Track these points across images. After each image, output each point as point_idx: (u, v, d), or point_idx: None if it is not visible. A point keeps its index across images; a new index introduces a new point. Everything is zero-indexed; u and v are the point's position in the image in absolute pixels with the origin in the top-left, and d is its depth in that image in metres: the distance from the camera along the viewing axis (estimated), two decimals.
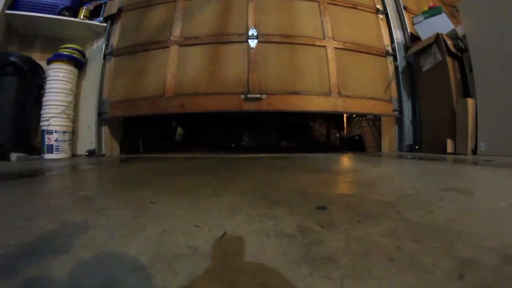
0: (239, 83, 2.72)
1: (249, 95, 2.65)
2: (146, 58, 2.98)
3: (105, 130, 3.06)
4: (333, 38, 2.94)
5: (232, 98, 2.69)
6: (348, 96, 2.86)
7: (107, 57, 3.11)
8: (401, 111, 3.05)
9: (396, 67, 3.13)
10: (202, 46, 2.87)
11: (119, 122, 3.29)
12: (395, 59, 3.14)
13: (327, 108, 2.80)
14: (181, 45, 2.89)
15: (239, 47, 2.82)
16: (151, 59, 2.96)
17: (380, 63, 3.12)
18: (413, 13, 3.25)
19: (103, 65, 3.09)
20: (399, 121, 3.10)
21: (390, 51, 3.15)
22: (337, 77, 2.85)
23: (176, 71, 2.83)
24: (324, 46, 2.90)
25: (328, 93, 2.80)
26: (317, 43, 2.90)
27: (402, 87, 3.06)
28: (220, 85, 2.75)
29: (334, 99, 2.80)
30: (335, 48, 2.92)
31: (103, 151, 3.06)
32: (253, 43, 2.80)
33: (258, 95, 2.65)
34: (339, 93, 2.82)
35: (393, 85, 3.11)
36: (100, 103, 3.01)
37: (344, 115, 4.41)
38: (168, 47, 2.91)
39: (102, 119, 3.02)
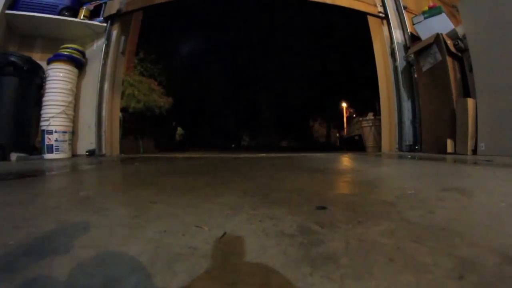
0: None
1: None
2: None
3: (115, 30, 3.29)
4: None
5: None
6: None
7: None
8: (386, 14, 3.38)
9: None
10: None
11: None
12: None
13: None
14: None
15: None
16: None
17: None
18: (413, 13, 3.25)
19: None
20: (388, 24, 3.38)
21: None
22: None
23: None
24: None
25: None
26: None
27: None
28: None
29: None
30: None
31: (103, 151, 3.06)
32: None
33: None
34: None
35: None
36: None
37: (344, 117, 4.44)
38: None
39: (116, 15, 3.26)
